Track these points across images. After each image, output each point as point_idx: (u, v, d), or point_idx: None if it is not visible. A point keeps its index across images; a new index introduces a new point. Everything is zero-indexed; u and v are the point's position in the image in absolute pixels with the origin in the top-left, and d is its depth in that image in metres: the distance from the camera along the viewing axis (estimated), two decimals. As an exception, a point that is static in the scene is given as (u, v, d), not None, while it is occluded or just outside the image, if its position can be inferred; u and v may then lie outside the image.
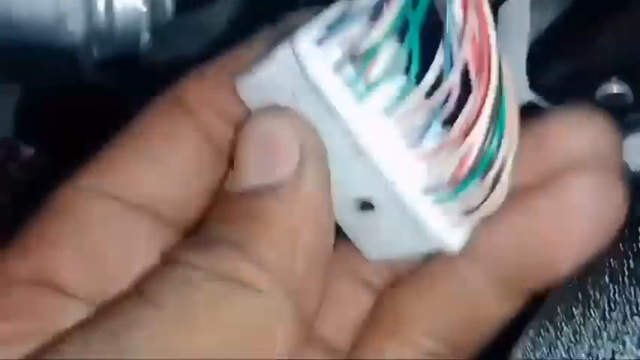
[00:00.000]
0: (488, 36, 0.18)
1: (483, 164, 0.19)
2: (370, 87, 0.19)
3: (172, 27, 0.36)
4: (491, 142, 0.18)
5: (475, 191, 0.19)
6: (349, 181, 0.21)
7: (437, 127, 0.19)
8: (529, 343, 0.24)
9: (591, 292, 0.24)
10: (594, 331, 0.23)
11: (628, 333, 0.22)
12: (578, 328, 0.24)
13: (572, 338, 0.24)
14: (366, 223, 0.21)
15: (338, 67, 0.19)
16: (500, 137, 0.18)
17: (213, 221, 0.20)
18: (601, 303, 0.24)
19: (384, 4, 0.18)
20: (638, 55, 0.25)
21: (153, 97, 0.24)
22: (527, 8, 0.28)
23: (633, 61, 0.26)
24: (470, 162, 0.19)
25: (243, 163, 0.20)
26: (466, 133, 0.18)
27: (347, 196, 0.21)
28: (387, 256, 0.22)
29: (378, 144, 0.19)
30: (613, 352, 0.22)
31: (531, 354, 0.24)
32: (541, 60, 0.27)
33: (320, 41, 0.19)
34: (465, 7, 0.18)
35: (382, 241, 0.22)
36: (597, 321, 0.23)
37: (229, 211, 0.20)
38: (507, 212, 0.20)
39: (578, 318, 0.24)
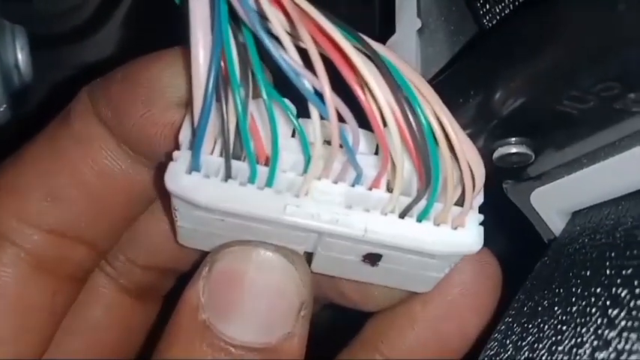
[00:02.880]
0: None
1: (431, 147, 0.17)
2: (271, 168, 0.18)
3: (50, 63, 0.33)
4: (419, 122, 0.17)
5: (447, 176, 0.18)
6: (337, 257, 0.20)
7: (363, 157, 0.19)
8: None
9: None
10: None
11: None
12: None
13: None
14: (390, 268, 0.21)
15: (227, 174, 0.18)
16: (422, 112, 0.17)
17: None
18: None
19: (220, 84, 0.17)
20: (537, 111, 0.22)
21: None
22: (415, 46, 0.24)
23: (532, 118, 0.22)
24: (415, 156, 0.18)
25: (243, 314, 0.20)
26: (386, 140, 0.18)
27: (349, 265, 0.21)
28: (433, 282, 0.22)
29: (329, 216, 0.18)
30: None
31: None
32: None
33: (190, 169, 0.18)
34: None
35: (419, 274, 0.21)
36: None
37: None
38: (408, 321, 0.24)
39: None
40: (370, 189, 0.19)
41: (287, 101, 0.18)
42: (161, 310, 0.27)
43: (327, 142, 0.18)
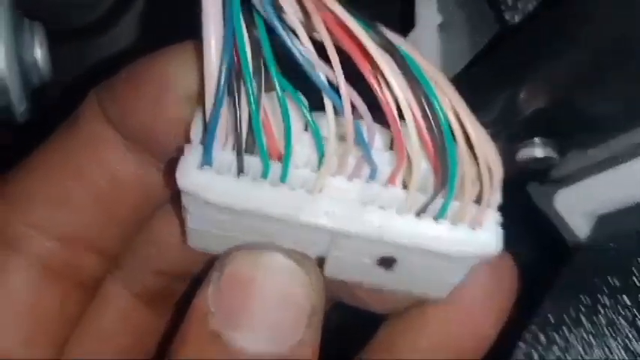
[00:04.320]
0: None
1: (449, 145, 0.17)
2: (284, 163, 0.18)
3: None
4: (438, 119, 0.17)
5: (466, 175, 0.17)
6: (350, 260, 0.20)
7: (378, 153, 0.18)
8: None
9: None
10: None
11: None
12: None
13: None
14: (404, 273, 0.20)
15: (240, 170, 0.18)
16: (440, 109, 0.17)
17: None
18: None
19: (232, 77, 0.17)
20: (562, 111, 0.21)
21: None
22: (435, 42, 0.24)
23: (557, 118, 0.21)
24: (432, 153, 0.17)
25: (253, 321, 0.19)
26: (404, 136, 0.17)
27: (363, 269, 0.20)
28: (448, 288, 0.21)
29: (344, 215, 0.18)
30: None
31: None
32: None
33: (202, 164, 0.18)
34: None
35: (434, 279, 0.20)
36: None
37: None
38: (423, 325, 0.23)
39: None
40: (385, 186, 0.18)
41: (300, 95, 0.18)
42: (173, 316, 0.27)
43: (341, 138, 0.18)
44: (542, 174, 0.23)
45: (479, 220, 0.18)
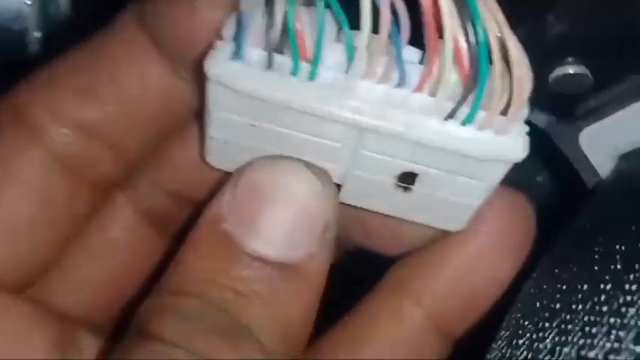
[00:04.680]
0: None
1: (482, 52, 0.17)
2: (314, 61, 0.17)
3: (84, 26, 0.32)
4: (474, 26, 0.17)
5: (495, 85, 0.17)
6: (369, 180, 0.20)
7: (408, 53, 0.18)
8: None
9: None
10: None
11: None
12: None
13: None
14: (424, 195, 0.20)
15: (269, 65, 0.18)
16: (477, 15, 0.17)
17: (209, 277, 0.19)
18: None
19: None
20: (596, 29, 0.21)
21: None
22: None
23: (591, 37, 0.21)
24: (465, 57, 0.17)
25: (266, 225, 0.19)
26: (440, 37, 0.17)
27: (381, 193, 0.20)
28: (467, 216, 0.21)
29: (371, 111, 0.18)
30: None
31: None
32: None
33: (233, 57, 0.18)
34: None
35: (453, 201, 0.20)
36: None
37: (234, 269, 0.19)
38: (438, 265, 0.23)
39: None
40: (413, 92, 0.18)
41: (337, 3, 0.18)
42: (173, 243, 0.26)
43: (372, 51, 0.18)
44: (572, 102, 0.23)
45: (506, 129, 0.18)
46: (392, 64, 0.18)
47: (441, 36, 0.17)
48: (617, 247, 0.21)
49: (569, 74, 0.22)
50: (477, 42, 0.17)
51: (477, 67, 0.17)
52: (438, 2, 0.17)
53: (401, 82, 0.18)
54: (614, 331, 0.19)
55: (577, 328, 0.20)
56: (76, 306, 0.22)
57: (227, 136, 0.19)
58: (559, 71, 0.22)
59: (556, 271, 0.22)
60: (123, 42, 0.21)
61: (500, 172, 0.19)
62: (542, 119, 0.26)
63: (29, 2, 0.30)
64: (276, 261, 0.19)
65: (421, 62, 0.19)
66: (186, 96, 0.21)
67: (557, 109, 0.25)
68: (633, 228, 0.21)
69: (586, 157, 0.25)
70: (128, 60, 0.21)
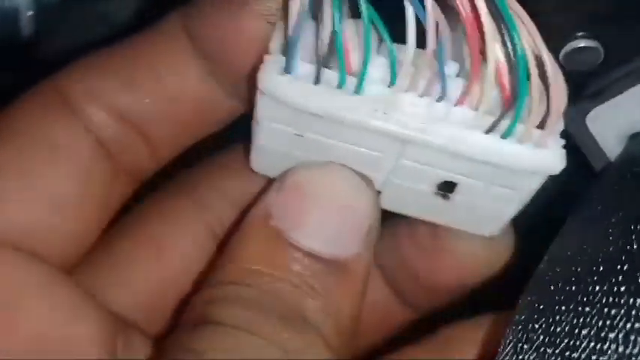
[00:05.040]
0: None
1: (521, 68, 0.18)
2: (361, 75, 0.18)
3: (72, 14, 0.31)
4: (513, 44, 0.18)
5: (533, 99, 0.18)
6: (414, 178, 0.20)
7: (450, 68, 0.19)
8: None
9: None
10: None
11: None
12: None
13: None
14: (462, 202, 0.21)
15: (317, 79, 0.19)
16: (515, 34, 0.18)
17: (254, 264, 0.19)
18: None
19: None
20: (608, 3, 0.21)
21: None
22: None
23: (602, 10, 0.21)
24: (505, 74, 0.18)
25: (313, 224, 0.20)
26: (482, 54, 0.18)
27: (420, 200, 0.21)
28: (504, 220, 0.22)
29: (415, 125, 0.19)
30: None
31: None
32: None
33: (286, 69, 0.19)
34: None
35: (490, 209, 0.21)
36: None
37: (279, 257, 0.19)
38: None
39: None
40: (455, 106, 0.19)
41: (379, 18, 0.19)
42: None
43: (414, 64, 0.19)
44: (580, 82, 0.23)
45: (544, 142, 0.19)
46: (434, 78, 0.19)
47: (481, 52, 0.18)
48: (632, 227, 0.20)
49: (580, 48, 0.21)
50: (516, 58, 0.18)
51: (516, 82, 0.18)
52: (481, 23, 0.18)
53: (442, 96, 0.19)
54: (634, 312, 0.18)
55: (595, 310, 0.19)
56: (127, 306, 0.23)
57: (273, 145, 0.20)
58: (570, 47, 0.22)
59: (569, 253, 0.22)
60: (166, 42, 0.21)
61: (537, 182, 0.20)
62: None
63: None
64: (326, 258, 0.19)
65: (458, 75, 0.19)
66: (222, 102, 0.22)
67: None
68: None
69: (594, 139, 0.25)
70: (170, 60, 0.21)
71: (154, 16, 0.22)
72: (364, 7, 0.18)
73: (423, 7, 0.17)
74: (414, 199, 0.21)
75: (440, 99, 0.19)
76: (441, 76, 0.19)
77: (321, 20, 0.18)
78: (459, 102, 0.19)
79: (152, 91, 0.21)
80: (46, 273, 0.20)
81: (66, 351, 0.20)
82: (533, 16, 0.20)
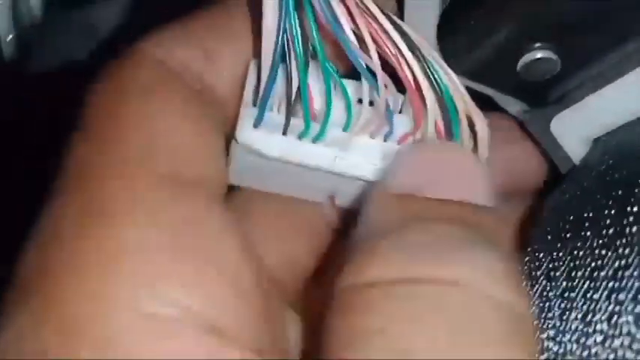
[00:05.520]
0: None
1: (453, 119, 0.21)
2: (321, 128, 0.22)
3: (57, 26, 0.32)
4: (445, 101, 0.21)
5: (463, 140, 0.22)
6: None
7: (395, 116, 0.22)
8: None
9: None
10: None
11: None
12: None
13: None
14: None
15: (285, 131, 0.22)
16: (448, 94, 0.21)
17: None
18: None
19: (287, 49, 0.21)
20: (563, 12, 0.21)
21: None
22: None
23: (556, 21, 0.21)
24: (441, 126, 0.22)
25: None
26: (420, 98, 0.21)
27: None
28: None
29: (368, 166, 0.22)
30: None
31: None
32: (450, 29, 0.23)
33: (256, 122, 0.22)
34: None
35: None
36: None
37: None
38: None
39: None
40: (399, 144, 0.22)
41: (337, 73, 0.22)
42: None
43: (360, 101, 0.22)
44: (540, 94, 0.23)
45: None
46: (382, 122, 0.22)
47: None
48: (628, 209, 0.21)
49: (537, 59, 0.22)
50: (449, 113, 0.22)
51: (449, 125, 0.22)
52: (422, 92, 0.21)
53: (388, 135, 0.22)
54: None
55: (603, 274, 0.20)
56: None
57: (246, 168, 0.23)
58: (527, 58, 0.22)
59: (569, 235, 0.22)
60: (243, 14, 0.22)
61: None
62: (515, 108, 0.26)
63: (0, 2, 0.29)
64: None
65: (400, 111, 0.23)
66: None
67: (529, 97, 0.25)
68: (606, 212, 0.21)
69: (558, 143, 0.25)
70: (247, 34, 0.22)
71: (139, 26, 0.23)
72: (325, 68, 0.21)
73: (375, 80, 0.21)
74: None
75: (386, 139, 0.22)
76: (389, 122, 0.22)
77: (291, 71, 0.21)
78: (402, 140, 0.22)
79: (230, 64, 0.22)
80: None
81: None
82: (489, 31, 0.21)
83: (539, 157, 0.27)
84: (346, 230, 0.26)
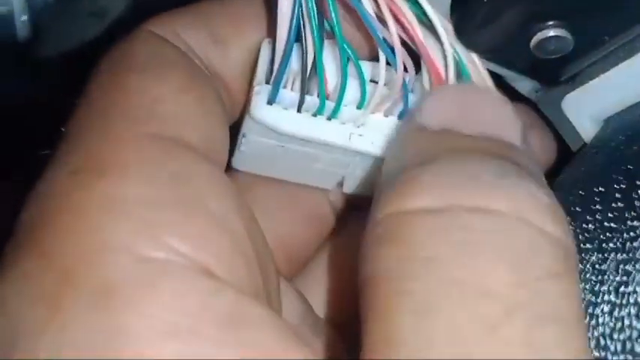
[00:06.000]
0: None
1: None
2: (336, 106, 0.22)
3: (66, 11, 0.32)
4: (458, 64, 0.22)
5: None
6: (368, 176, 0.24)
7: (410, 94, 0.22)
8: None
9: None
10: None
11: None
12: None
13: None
14: None
15: (299, 108, 0.22)
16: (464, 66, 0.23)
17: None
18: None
19: (302, 27, 0.21)
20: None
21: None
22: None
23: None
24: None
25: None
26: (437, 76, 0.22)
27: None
28: None
29: (382, 144, 0.22)
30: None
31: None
32: (463, 6, 0.23)
33: (271, 99, 0.22)
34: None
35: None
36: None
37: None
38: None
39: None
40: None
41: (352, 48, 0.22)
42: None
43: (373, 82, 0.22)
44: (554, 69, 0.24)
45: None
46: (397, 100, 0.22)
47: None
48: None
49: (550, 37, 0.22)
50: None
51: None
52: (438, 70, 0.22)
53: (403, 114, 0.22)
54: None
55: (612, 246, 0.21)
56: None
57: (255, 151, 0.23)
58: (540, 35, 0.22)
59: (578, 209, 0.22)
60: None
61: None
62: (527, 87, 0.26)
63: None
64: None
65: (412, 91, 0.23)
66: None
67: (541, 76, 0.25)
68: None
69: (570, 122, 0.25)
70: (258, 20, 0.23)
71: (148, 11, 0.23)
72: (342, 47, 0.21)
73: (394, 53, 0.21)
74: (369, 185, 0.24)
75: (400, 117, 0.22)
76: (404, 103, 0.22)
77: (306, 48, 0.21)
78: None
79: (237, 47, 0.23)
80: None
81: None
82: (502, 8, 0.21)
83: (550, 137, 0.27)
84: (348, 219, 0.26)
